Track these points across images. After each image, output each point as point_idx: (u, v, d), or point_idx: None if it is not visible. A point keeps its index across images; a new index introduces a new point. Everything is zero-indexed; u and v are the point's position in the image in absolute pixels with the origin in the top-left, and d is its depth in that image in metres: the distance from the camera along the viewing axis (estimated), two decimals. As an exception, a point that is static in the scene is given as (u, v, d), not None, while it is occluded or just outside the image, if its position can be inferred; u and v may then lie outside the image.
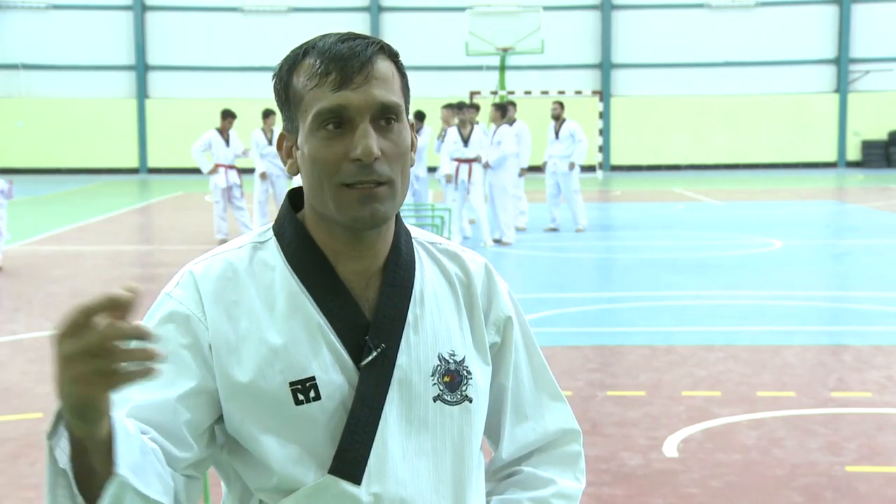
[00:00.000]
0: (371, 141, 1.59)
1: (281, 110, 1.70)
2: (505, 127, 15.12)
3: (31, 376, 7.44)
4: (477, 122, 14.80)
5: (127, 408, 1.57)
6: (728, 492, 5.09)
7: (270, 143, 15.32)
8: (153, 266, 13.16)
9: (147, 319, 1.67)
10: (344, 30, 1.72)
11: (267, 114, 15.40)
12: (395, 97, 1.64)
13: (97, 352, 1.28)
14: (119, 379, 1.29)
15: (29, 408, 6.60)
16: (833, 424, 6.20)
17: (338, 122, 1.61)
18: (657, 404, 6.56)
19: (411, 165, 1.69)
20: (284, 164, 1.71)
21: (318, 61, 1.62)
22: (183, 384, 1.62)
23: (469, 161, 14.47)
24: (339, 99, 1.60)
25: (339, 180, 1.61)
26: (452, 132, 14.58)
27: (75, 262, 13.17)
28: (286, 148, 1.71)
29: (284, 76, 1.67)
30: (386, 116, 1.62)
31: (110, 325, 1.27)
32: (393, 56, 1.67)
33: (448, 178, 14.48)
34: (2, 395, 7.01)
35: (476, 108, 15.33)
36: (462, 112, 14.72)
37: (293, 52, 1.68)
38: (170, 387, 1.61)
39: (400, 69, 1.68)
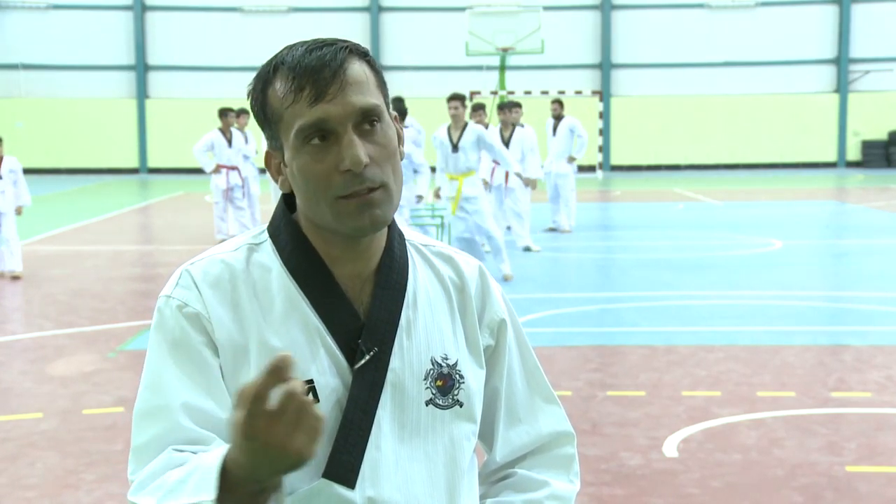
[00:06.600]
0: (358, 149, 1.58)
1: (262, 129, 1.67)
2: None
3: (31, 376, 7.44)
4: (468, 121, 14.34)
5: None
6: (728, 492, 5.09)
7: None
8: (153, 266, 13.16)
9: (156, 326, 1.65)
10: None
11: None
12: (373, 98, 1.62)
13: (295, 417, 1.32)
14: (321, 427, 1.34)
15: (29, 408, 6.60)
16: (833, 424, 6.20)
17: (321, 135, 1.59)
18: (657, 404, 6.56)
19: (401, 159, 1.67)
20: (275, 181, 1.70)
21: (289, 77, 1.60)
22: (219, 388, 1.62)
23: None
24: (317, 113, 1.58)
25: (333, 193, 1.59)
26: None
27: (75, 262, 13.17)
28: (275, 166, 1.69)
29: (259, 96, 1.65)
30: (369, 120, 1.61)
31: (290, 393, 1.31)
32: (363, 55, 1.65)
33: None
34: (2, 395, 7.02)
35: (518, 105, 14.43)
36: (505, 113, 13.90)
37: (263, 68, 1.65)
38: (210, 396, 1.61)
39: (372, 67, 1.66)
